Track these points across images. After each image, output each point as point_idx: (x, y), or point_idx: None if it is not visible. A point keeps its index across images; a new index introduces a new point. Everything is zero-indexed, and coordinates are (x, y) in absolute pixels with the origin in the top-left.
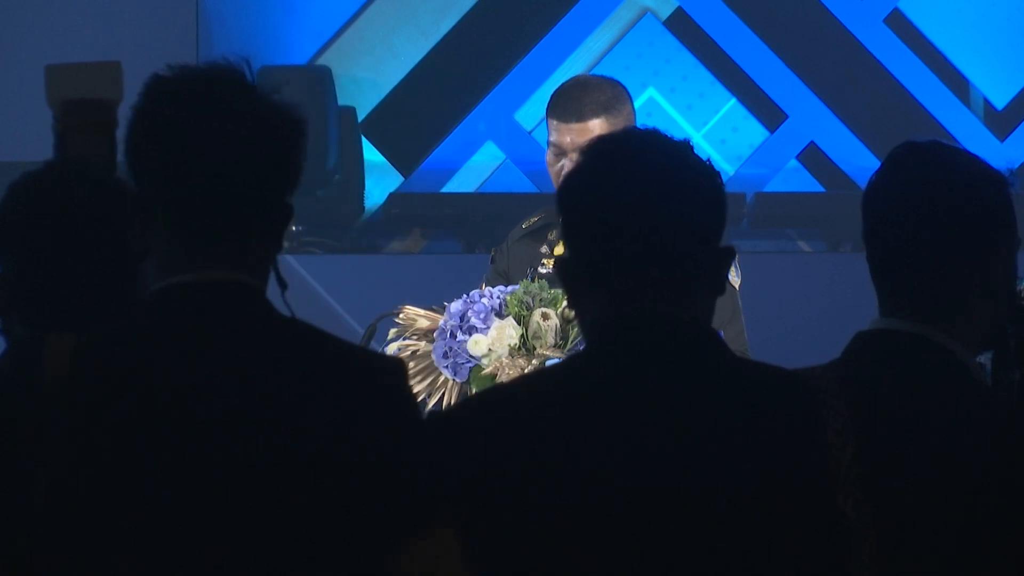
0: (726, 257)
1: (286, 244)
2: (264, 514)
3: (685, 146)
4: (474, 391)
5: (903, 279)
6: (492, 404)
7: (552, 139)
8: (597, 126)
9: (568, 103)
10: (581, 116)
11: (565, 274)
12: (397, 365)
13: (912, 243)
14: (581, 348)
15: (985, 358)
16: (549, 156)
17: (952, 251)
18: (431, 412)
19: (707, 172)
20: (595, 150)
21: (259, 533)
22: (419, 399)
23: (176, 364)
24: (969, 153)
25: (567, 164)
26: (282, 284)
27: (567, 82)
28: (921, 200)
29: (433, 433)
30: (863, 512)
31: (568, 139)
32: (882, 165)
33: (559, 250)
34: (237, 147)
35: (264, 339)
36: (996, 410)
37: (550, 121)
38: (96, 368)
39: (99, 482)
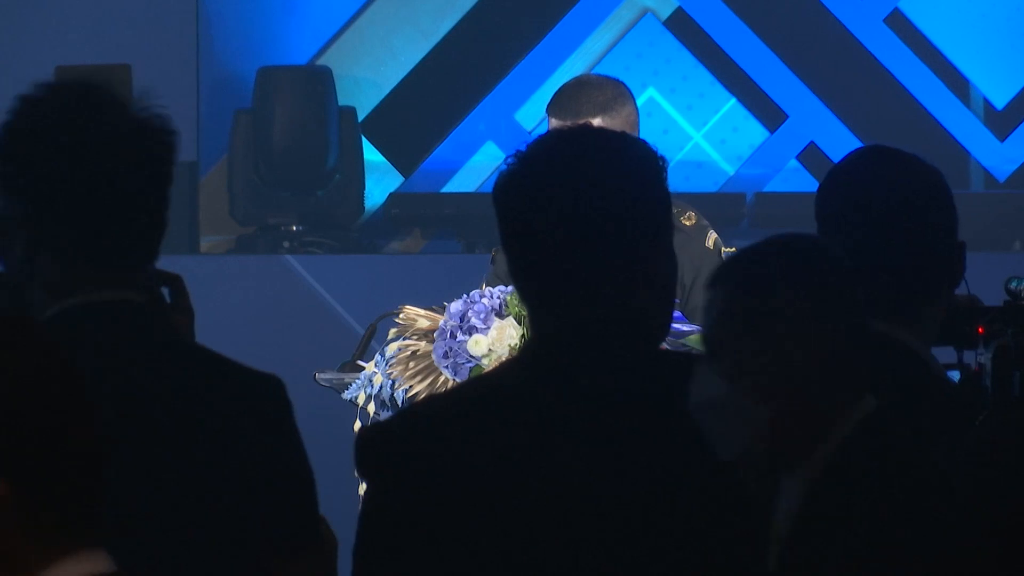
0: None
1: (286, 244)
2: (141, 531)
3: (622, 138)
4: None
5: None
6: (436, 414)
7: None
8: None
9: (567, 102)
10: (578, 115)
11: (513, 273)
12: (275, 382)
13: (870, 243)
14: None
15: (985, 358)
16: None
17: (910, 250)
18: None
19: (648, 163)
20: (526, 152)
21: (136, 552)
22: (419, 399)
23: (70, 384)
24: (915, 156)
25: None
26: (159, 296)
27: (569, 81)
28: (879, 201)
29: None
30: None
31: None
32: (834, 169)
33: None
34: (116, 165)
35: (150, 357)
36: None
37: (549, 120)
38: None
39: None
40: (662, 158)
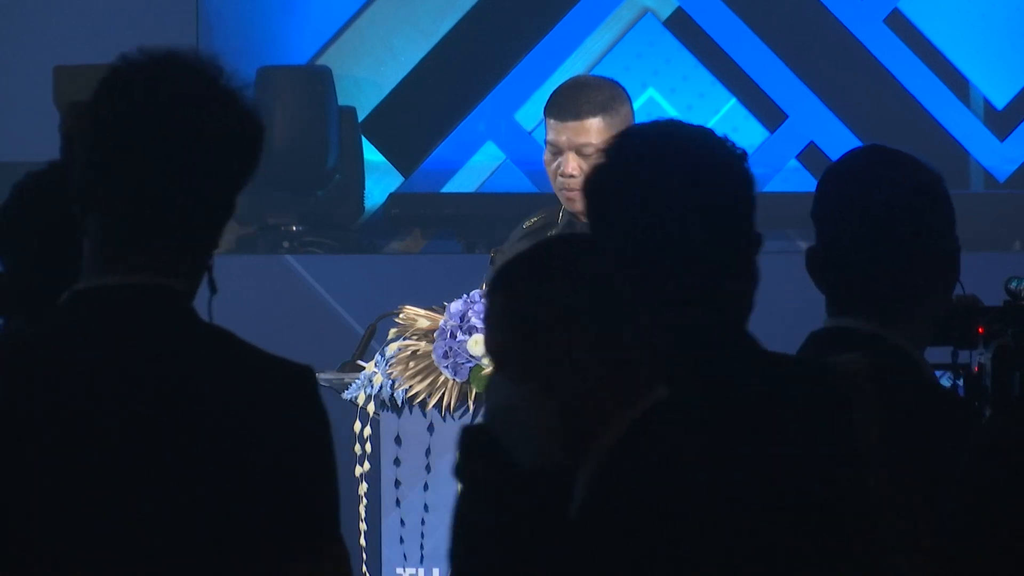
0: (755, 245)
1: (286, 244)
2: (160, 517)
3: (706, 133)
4: (475, 391)
5: (856, 279)
6: None
7: (549, 138)
8: (594, 125)
9: (565, 102)
10: (578, 115)
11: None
12: (306, 373)
13: (864, 243)
14: None
15: (986, 358)
16: (546, 155)
17: (903, 251)
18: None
19: (732, 158)
20: (616, 145)
21: (156, 534)
22: (419, 399)
23: (78, 368)
24: (913, 156)
25: (565, 163)
26: (212, 288)
27: (565, 82)
28: (874, 201)
29: None
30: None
31: (565, 138)
32: (830, 169)
33: None
34: (182, 146)
35: (174, 344)
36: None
37: (547, 120)
38: (4, 372)
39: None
40: (741, 149)
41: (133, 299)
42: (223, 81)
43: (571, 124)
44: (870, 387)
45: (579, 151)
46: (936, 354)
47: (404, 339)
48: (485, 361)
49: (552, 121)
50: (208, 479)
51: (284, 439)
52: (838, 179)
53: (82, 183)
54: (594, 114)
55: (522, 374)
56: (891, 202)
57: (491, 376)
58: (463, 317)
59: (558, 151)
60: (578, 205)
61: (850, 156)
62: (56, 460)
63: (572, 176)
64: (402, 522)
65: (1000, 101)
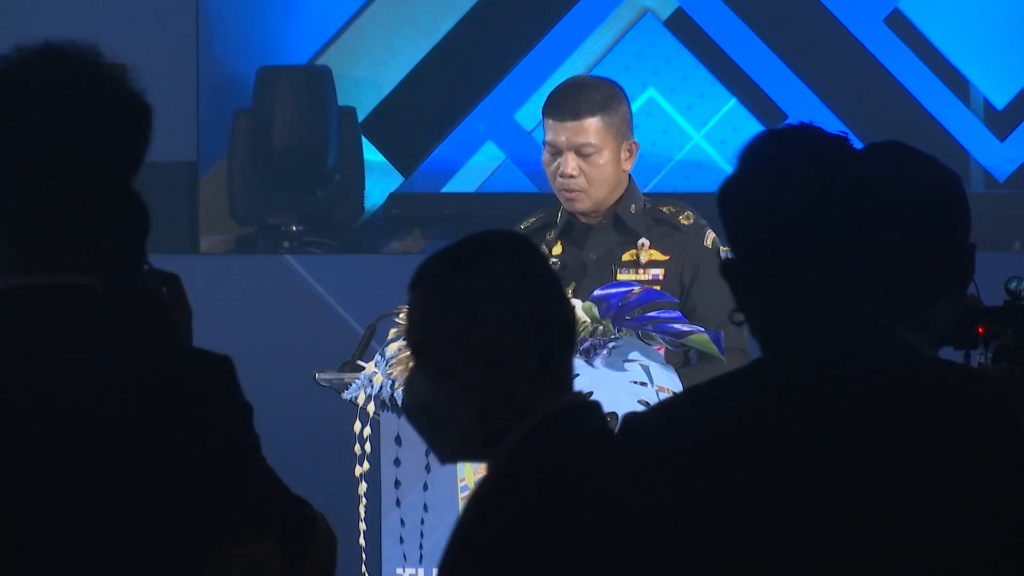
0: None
1: (286, 244)
2: (81, 511)
3: (841, 139)
4: None
5: None
6: (683, 417)
7: (548, 138)
8: (593, 125)
9: (564, 102)
10: (577, 114)
11: (733, 276)
12: (224, 361)
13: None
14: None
15: (986, 358)
16: (545, 156)
17: (921, 250)
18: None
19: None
20: (752, 150)
21: (79, 528)
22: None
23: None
24: (928, 153)
25: (564, 163)
26: (135, 287)
27: (563, 82)
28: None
29: (625, 456)
30: None
31: (564, 138)
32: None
33: (557, 250)
34: (70, 138)
35: (86, 342)
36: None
37: (546, 121)
38: None
39: None
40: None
41: (33, 300)
42: (100, 67)
43: (570, 124)
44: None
45: (578, 151)
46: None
47: (404, 339)
48: None
49: (551, 121)
50: (130, 471)
51: (203, 428)
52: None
53: None
54: (593, 114)
55: (442, 370)
56: (905, 199)
57: (411, 370)
58: None
59: (557, 151)
60: (578, 205)
61: (864, 152)
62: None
63: (572, 176)
64: (402, 522)
65: (1000, 101)
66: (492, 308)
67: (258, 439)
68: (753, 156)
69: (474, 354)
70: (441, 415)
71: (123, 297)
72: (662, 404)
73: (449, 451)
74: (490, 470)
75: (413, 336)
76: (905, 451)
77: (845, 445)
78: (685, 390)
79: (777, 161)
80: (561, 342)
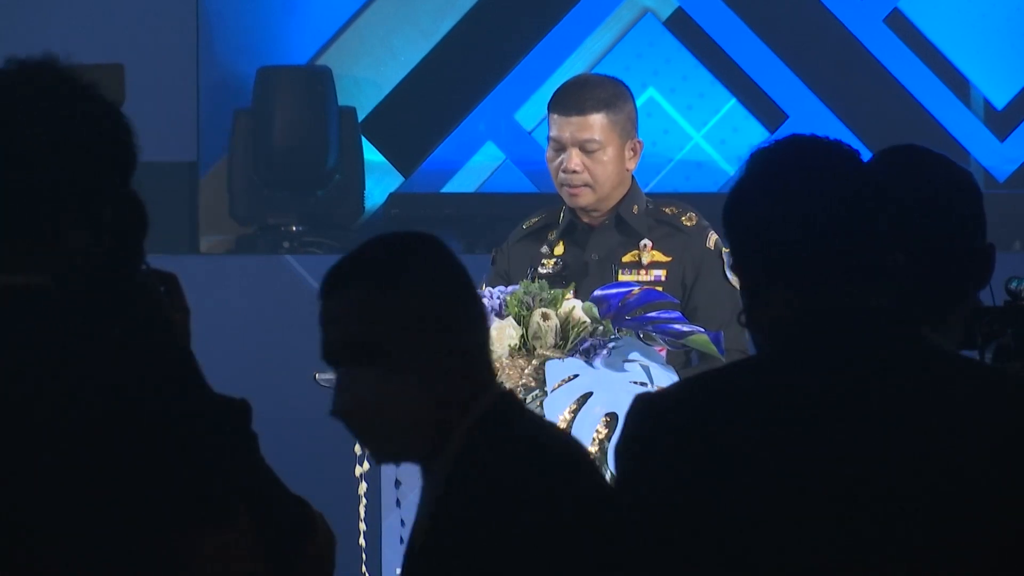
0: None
1: (286, 244)
2: (58, 495)
3: (839, 145)
4: None
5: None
6: (690, 406)
7: (552, 134)
8: (597, 121)
9: (569, 98)
10: (582, 110)
11: (741, 277)
12: (184, 356)
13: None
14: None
15: (986, 358)
16: (549, 152)
17: (943, 252)
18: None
19: (868, 173)
20: (758, 155)
21: (57, 521)
22: None
23: None
24: (943, 155)
25: (568, 159)
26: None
27: (569, 79)
28: (911, 203)
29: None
30: None
31: (568, 133)
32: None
33: (559, 250)
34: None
35: (41, 342)
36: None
37: (551, 116)
38: None
39: None
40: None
41: None
42: (52, 78)
43: (575, 120)
44: None
45: (582, 147)
46: None
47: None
48: None
49: (556, 117)
50: (97, 464)
51: (168, 420)
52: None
53: None
54: (598, 110)
55: (398, 367)
56: (925, 202)
57: (345, 372)
58: None
59: (561, 147)
60: (579, 201)
61: (880, 156)
62: None
63: (575, 172)
64: (402, 522)
65: (1000, 101)
66: (443, 300)
67: (250, 435)
68: (762, 163)
69: (431, 347)
70: (390, 414)
71: (77, 295)
72: (664, 392)
73: (394, 451)
74: (436, 471)
75: (360, 335)
76: (905, 449)
77: (841, 443)
78: (686, 379)
79: (786, 167)
80: (488, 333)
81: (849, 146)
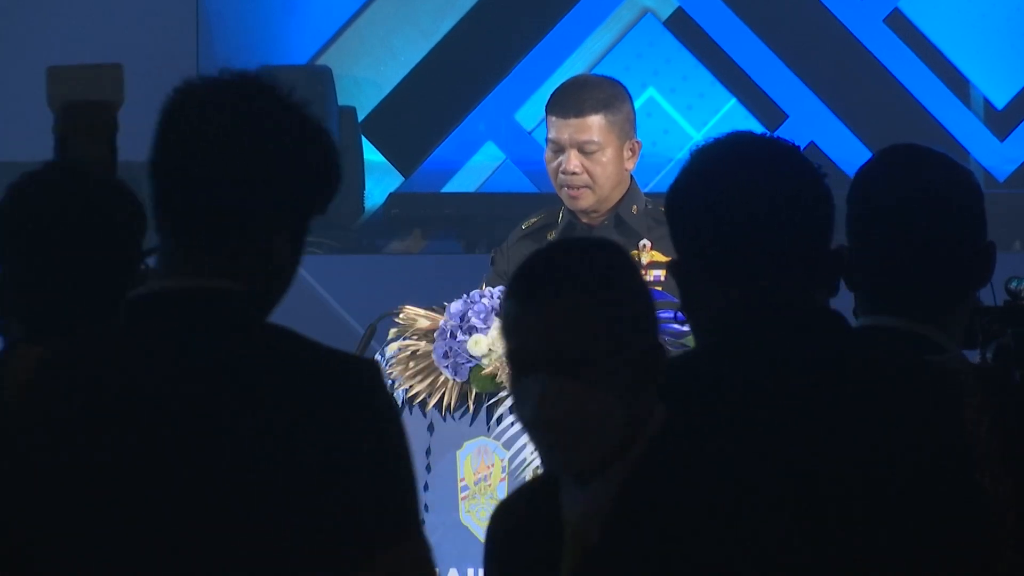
0: (837, 258)
1: None
2: (232, 522)
3: (779, 142)
4: (474, 391)
5: (897, 277)
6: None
7: (551, 136)
8: (596, 122)
9: (568, 100)
10: (580, 112)
11: (679, 275)
12: (371, 368)
13: (908, 243)
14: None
15: (986, 358)
16: (548, 154)
17: (945, 251)
18: None
19: (808, 169)
20: (699, 153)
21: (229, 540)
22: (419, 399)
23: (139, 372)
24: (944, 154)
25: (566, 160)
26: (266, 286)
27: (567, 80)
28: (914, 203)
29: None
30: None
31: (566, 135)
32: (864, 169)
33: None
34: (236, 153)
35: (236, 346)
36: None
37: (549, 118)
38: (57, 378)
39: (63, 490)
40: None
41: (190, 302)
42: (284, 99)
43: (573, 121)
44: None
45: (581, 148)
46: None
47: (404, 339)
48: (485, 361)
49: (554, 118)
50: (273, 481)
51: (348, 436)
52: (871, 179)
53: (155, 192)
54: (596, 111)
55: (604, 379)
56: (924, 201)
57: (548, 378)
58: (463, 317)
59: (560, 149)
60: (579, 203)
61: (881, 155)
62: (126, 464)
63: (574, 173)
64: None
65: (1000, 101)
66: (638, 313)
67: (401, 447)
68: (700, 160)
69: (631, 360)
70: (595, 425)
71: (270, 303)
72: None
73: (586, 460)
74: (604, 477)
75: (572, 345)
76: (838, 441)
77: (779, 434)
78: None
79: (723, 163)
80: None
81: (789, 143)
